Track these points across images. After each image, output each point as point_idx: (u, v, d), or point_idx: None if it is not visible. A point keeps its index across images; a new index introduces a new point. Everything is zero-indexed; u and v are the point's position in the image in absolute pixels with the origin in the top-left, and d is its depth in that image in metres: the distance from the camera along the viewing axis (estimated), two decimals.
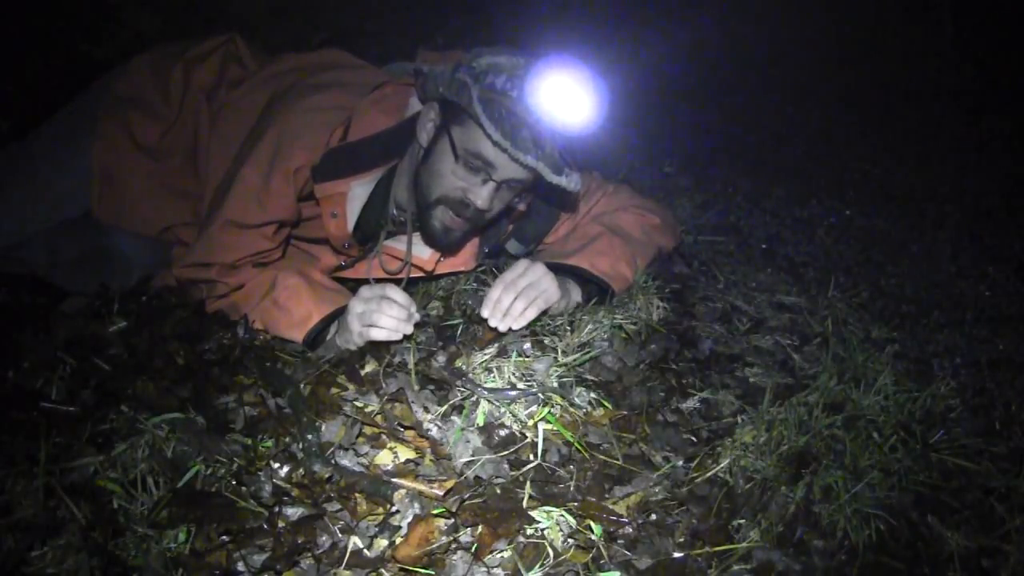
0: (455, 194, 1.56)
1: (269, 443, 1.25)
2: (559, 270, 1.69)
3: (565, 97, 1.44)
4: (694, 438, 1.42)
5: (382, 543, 1.14)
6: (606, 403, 1.44)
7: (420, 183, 1.61)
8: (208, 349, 1.47)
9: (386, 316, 1.45)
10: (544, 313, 1.64)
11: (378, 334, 1.46)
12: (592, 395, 1.45)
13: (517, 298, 1.52)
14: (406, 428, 1.31)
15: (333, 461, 1.23)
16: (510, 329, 1.54)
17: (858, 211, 3.33)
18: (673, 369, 1.57)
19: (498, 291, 1.53)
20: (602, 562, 1.13)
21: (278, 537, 1.09)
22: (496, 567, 1.11)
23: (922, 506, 1.33)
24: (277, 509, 1.14)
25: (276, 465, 1.22)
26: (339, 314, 1.56)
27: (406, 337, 1.48)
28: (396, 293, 1.48)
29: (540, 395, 1.37)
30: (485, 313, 1.53)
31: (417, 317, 1.49)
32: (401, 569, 1.09)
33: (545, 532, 1.16)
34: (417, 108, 1.64)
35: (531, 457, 1.28)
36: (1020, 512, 1.35)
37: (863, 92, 5.11)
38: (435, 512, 1.16)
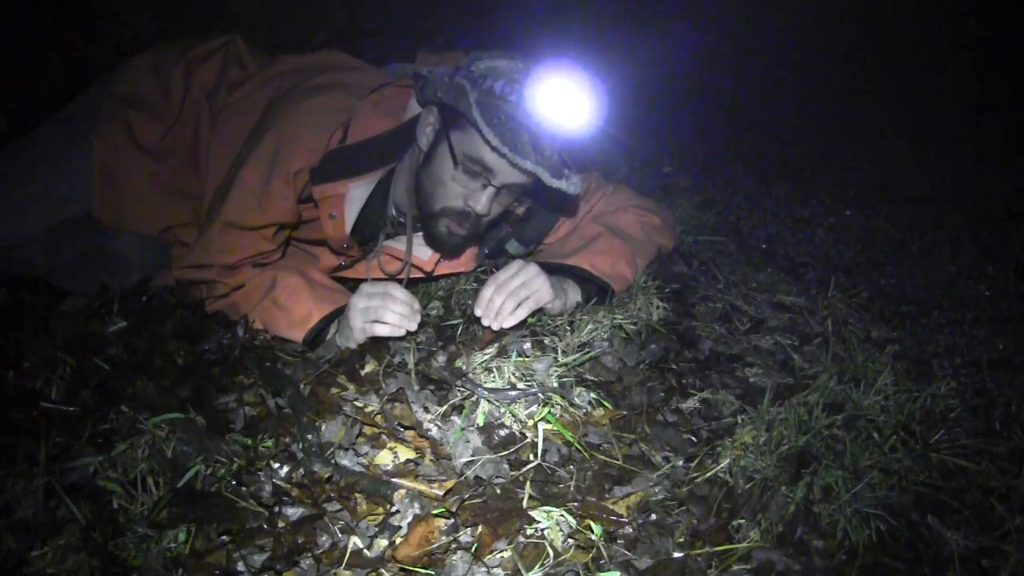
0: (456, 203, 1.57)
1: (269, 443, 1.25)
2: (558, 270, 1.69)
3: (564, 101, 1.44)
4: (694, 438, 1.42)
5: (382, 543, 1.14)
6: (606, 403, 1.44)
7: (422, 189, 1.62)
8: (208, 349, 1.48)
9: (391, 312, 1.46)
10: (542, 312, 1.64)
11: (382, 330, 1.47)
12: (592, 395, 1.44)
13: (508, 298, 1.53)
14: (406, 428, 1.31)
15: (333, 461, 1.23)
16: (505, 329, 1.55)
17: (858, 211, 3.33)
18: (673, 369, 1.57)
19: (490, 291, 1.54)
20: (602, 562, 1.12)
21: (278, 537, 1.09)
22: (496, 567, 1.11)
23: (922, 506, 1.33)
24: (277, 509, 1.14)
25: (276, 465, 1.22)
26: (339, 313, 1.56)
27: (407, 335, 1.49)
28: (398, 290, 1.49)
29: (540, 395, 1.37)
30: (478, 312, 1.54)
31: (420, 316, 1.50)
32: (401, 569, 1.09)
33: (545, 532, 1.16)
34: (416, 110, 1.64)
35: (531, 457, 1.28)
36: (1020, 512, 1.35)
37: (864, 92, 5.10)
38: (435, 512, 1.15)
